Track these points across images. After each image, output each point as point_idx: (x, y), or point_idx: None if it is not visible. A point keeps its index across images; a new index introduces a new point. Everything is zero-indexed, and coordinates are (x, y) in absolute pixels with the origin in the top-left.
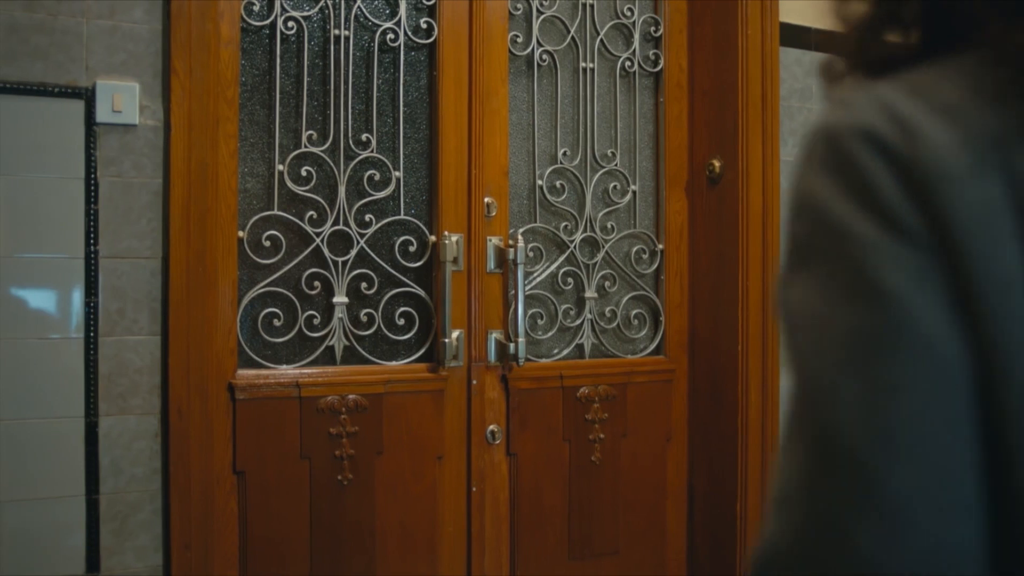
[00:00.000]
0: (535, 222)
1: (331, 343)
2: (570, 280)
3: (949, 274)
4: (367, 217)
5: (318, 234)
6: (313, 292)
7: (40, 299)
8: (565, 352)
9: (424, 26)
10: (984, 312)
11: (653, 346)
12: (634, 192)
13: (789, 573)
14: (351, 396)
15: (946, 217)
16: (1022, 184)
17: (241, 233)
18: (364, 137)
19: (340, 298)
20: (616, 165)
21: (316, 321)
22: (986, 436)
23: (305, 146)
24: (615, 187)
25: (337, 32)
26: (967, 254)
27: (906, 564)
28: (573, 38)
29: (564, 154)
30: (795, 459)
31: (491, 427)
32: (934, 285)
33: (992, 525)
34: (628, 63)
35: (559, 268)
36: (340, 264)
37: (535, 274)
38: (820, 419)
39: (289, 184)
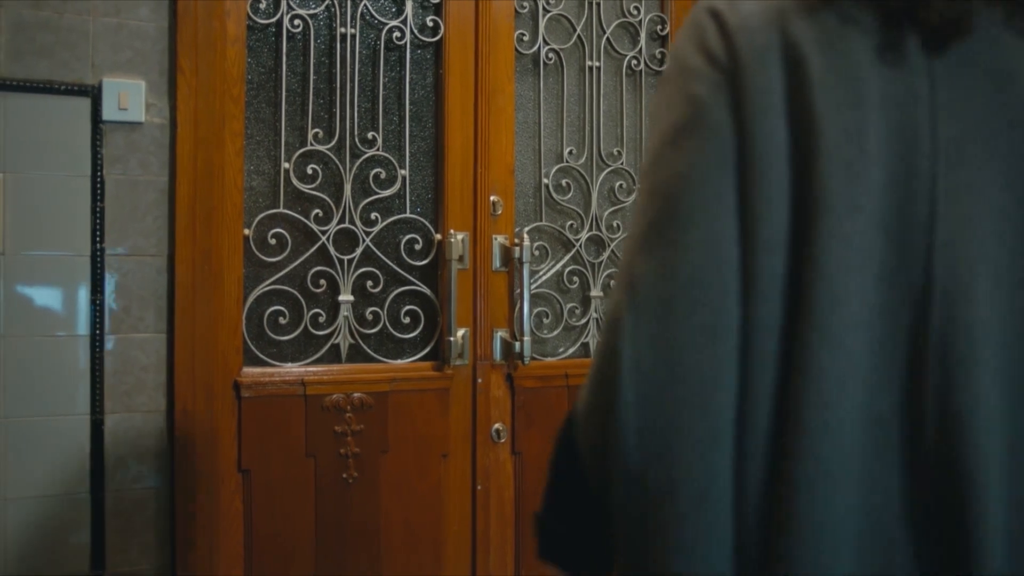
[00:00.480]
0: (541, 221)
1: (336, 341)
2: (576, 279)
3: (736, 86)
4: (373, 215)
5: (324, 232)
6: (319, 290)
7: (46, 297)
8: (571, 351)
9: (430, 24)
10: (749, 108)
11: None
12: None
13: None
14: (356, 394)
15: (738, 51)
16: (788, 36)
17: (247, 231)
18: (370, 135)
19: (346, 296)
20: (622, 164)
21: (322, 319)
22: (737, 203)
23: (311, 144)
24: (621, 186)
25: (343, 30)
26: (746, 74)
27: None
28: (579, 36)
29: (570, 153)
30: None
31: (496, 425)
32: (725, 93)
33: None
34: (634, 62)
35: (565, 267)
36: (346, 262)
37: (540, 273)
38: (648, 182)
39: (295, 182)
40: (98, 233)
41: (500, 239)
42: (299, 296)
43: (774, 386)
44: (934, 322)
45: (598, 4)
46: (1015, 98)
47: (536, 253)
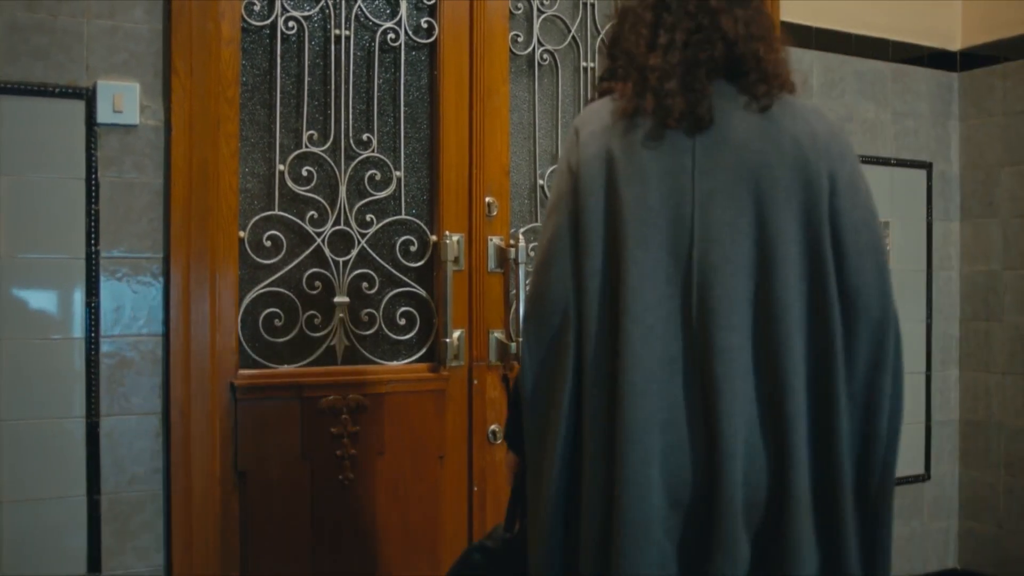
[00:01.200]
0: (536, 221)
1: (332, 343)
2: None
3: (577, 179)
4: (368, 217)
5: (319, 234)
6: (314, 292)
7: (41, 299)
8: None
9: (425, 26)
10: (582, 192)
11: None
12: None
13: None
14: (352, 396)
15: (580, 158)
16: (608, 146)
17: (242, 233)
18: (365, 137)
19: (341, 298)
20: None
21: (317, 321)
22: (574, 250)
23: (306, 146)
24: None
25: (338, 32)
26: (582, 172)
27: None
28: (574, 37)
29: None
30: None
31: (492, 427)
32: (572, 184)
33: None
34: None
35: None
36: (341, 264)
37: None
38: (541, 237)
39: (290, 184)
40: (93, 235)
41: (496, 240)
42: (294, 298)
43: (606, 347)
44: (695, 300)
45: (592, 5)
46: (745, 161)
47: (531, 254)
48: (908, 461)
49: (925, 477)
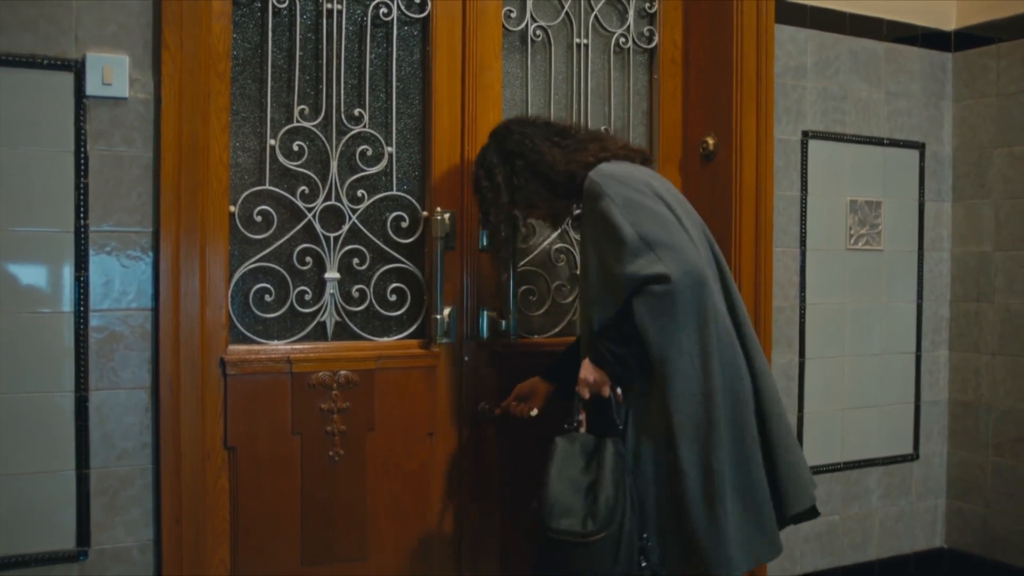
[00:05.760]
0: None
1: (322, 319)
2: (563, 257)
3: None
4: (359, 192)
5: (310, 209)
6: (305, 268)
7: (30, 273)
8: (558, 328)
9: (417, 0)
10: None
11: None
12: None
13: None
14: (342, 372)
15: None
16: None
17: (232, 208)
18: (356, 112)
19: (332, 274)
20: None
21: (308, 297)
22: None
23: (297, 121)
24: None
25: (330, 6)
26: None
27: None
28: (567, 14)
29: None
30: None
31: (483, 404)
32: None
33: None
34: (622, 39)
35: (552, 244)
36: (332, 239)
37: (528, 251)
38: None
39: (281, 159)
40: (82, 209)
41: None
42: (285, 273)
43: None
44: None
45: None
46: (676, 192)
47: (523, 231)
48: (897, 440)
49: (914, 457)
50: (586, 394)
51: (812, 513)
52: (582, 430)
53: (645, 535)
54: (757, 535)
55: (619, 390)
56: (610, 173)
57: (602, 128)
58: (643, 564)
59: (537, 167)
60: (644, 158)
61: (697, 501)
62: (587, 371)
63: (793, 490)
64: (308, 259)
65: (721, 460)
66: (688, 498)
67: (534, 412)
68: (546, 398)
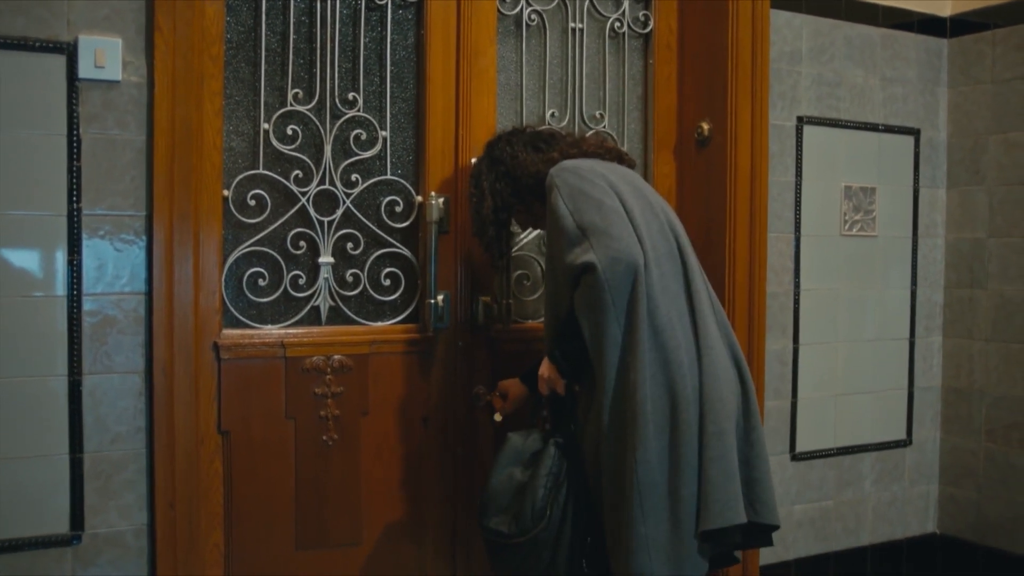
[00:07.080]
0: None
1: (316, 303)
2: None
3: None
4: (353, 177)
5: (304, 193)
6: (298, 252)
7: (23, 257)
8: None
9: None
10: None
11: None
12: None
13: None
14: (336, 356)
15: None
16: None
17: (226, 192)
18: (351, 96)
19: (326, 258)
20: (604, 127)
21: (301, 281)
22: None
23: (291, 105)
24: None
25: None
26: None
27: (610, 253)
28: None
29: (552, 115)
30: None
31: (478, 388)
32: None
33: None
34: (617, 24)
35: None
36: (326, 224)
37: (522, 236)
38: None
39: (275, 143)
40: (75, 193)
41: None
42: (279, 258)
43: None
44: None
45: None
46: (642, 186)
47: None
48: (890, 426)
49: (907, 442)
50: (544, 390)
51: (751, 538)
52: (548, 427)
53: (590, 538)
54: (682, 545)
55: (576, 386)
56: (564, 166)
57: (597, 113)
58: (585, 568)
59: (512, 172)
60: (618, 156)
61: (611, 504)
62: (543, 367)
63: (712, 501)
64: (302, 243)
65: (642, 460)
66: (605, 500)
67: (498, 417)
68: (520, 400)
